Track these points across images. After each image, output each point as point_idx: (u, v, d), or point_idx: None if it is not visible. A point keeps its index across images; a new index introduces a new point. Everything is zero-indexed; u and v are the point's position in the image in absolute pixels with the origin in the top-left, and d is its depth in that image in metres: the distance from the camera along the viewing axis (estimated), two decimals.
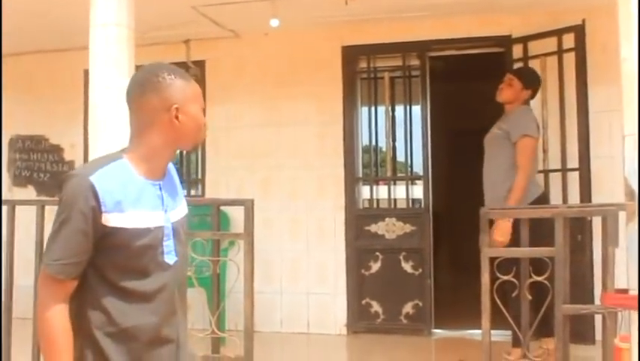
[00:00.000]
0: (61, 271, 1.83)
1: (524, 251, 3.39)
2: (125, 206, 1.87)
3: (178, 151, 6.81)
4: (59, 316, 1.85)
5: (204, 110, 2.07)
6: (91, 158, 4.01)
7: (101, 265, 1.89)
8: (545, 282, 3.30)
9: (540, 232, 3.91)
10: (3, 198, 6.38)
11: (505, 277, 3.33)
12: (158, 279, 1.95)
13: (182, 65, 6.53)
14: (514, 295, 3.36)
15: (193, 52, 6.61)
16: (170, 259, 1.98)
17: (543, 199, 4.70)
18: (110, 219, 1.85)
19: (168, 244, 1.98)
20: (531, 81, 4.88)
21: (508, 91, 4.80)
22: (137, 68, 6.55)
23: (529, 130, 4.61)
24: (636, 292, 3.26)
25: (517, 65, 5.62)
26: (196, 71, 6.62)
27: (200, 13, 5.72)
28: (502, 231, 4.23)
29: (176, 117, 1.93)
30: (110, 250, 1.88)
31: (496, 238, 4.13)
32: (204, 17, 5.85)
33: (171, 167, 2.13)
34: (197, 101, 2.00)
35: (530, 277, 3.34)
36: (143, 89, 1.95)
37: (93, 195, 1.83)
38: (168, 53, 6.49)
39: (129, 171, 1.93)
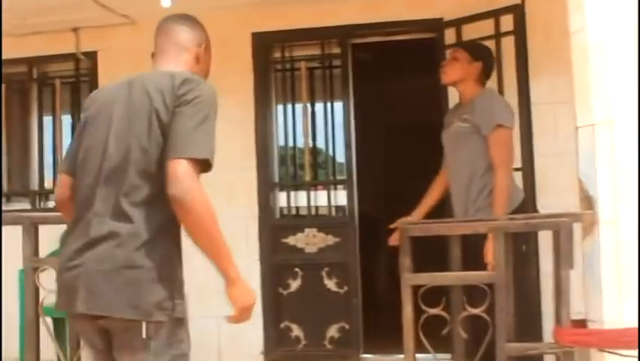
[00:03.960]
0: (212, 157, 2.04)
1: (457, 276, 2.66)
2: None
3: None
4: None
5: None
6: None
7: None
8: (483, 315, 2.59)
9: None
10: None
11: (433, 311, 2.60)
12: None
13: (71, 57, 5.84)
14: (444, 332, 2.64)
15: (83, 42, 5.84)
16: None
17: (526, 207, 3.90)
18: None
19: None
20: (478, 51, 4.05)
21: (454, 66, 3.93)
22: (14, 60, 5.63)
23: (502, 119, 3.74)
24: (596, 325, 2.64)
25: None
26: (87, 63, 5.84)
27: None
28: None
29: (201, 54, 2.31)
30: None
31: (489, 261, 3.09)
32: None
33: None
34: (210, 52, 2.38)
35: (464, 309, 2.61)
36: (179, 21, 2.31)
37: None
38: (55, 43, 5.81)
39: None
